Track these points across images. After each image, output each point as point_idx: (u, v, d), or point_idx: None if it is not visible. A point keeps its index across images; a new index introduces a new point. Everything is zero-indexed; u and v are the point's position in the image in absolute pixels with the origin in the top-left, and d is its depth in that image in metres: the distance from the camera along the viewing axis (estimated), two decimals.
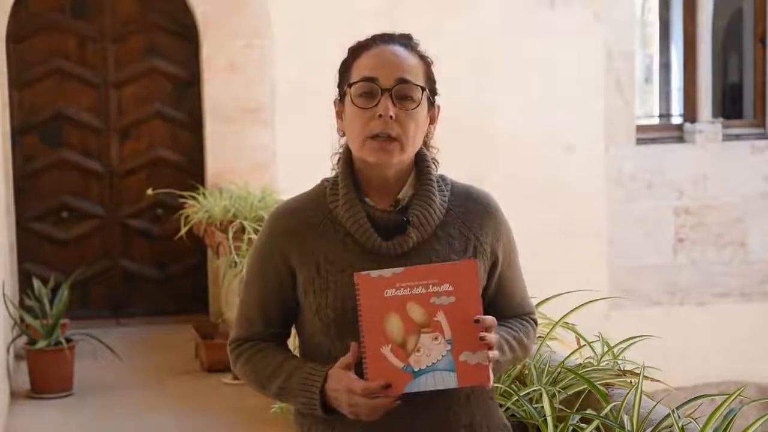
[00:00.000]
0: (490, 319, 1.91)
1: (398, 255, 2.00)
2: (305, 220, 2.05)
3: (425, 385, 1.87)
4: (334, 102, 2.09)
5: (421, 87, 2.02)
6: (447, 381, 1.87)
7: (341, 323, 1.97)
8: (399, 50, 2.03)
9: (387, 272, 1.89)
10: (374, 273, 1.89)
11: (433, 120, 2.10)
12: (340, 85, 2.07)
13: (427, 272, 1.89)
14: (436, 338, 1.87)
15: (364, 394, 1.87)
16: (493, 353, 1.89)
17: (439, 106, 2.10)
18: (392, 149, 1.99)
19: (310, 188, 2.13)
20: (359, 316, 1.88)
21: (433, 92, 2.08)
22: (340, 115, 2.07)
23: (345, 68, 2.06)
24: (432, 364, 1.87)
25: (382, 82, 1.99)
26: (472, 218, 2.07)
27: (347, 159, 2.07)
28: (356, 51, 2.05)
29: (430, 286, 1.88)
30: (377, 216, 2.02)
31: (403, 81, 2.00)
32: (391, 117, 1.97)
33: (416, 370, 1.87)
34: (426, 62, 2.07)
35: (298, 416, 2.10)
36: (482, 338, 1.87)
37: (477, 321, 1.88)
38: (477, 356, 1.87)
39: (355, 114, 2.01)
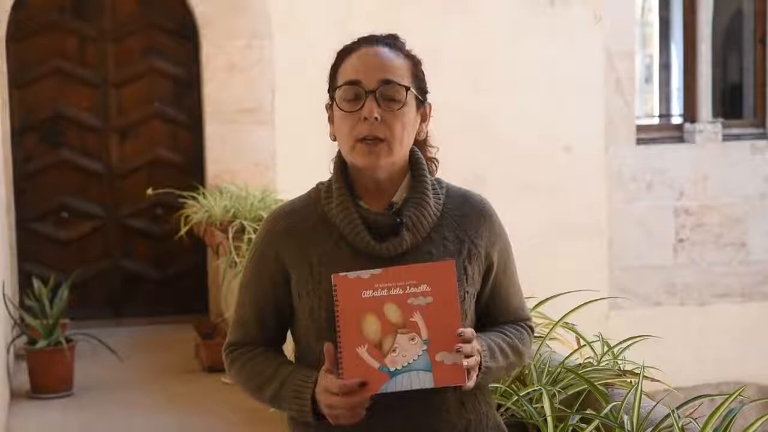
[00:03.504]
0: (469, 331, 1.90)
1: (391, 257, 1.99)
2: (299, 223, 2.05)
3: (401, 385, 1.86)
4: (326, 107, 2.09)
5: (406, 87, 2.00)
6: (423, 381, 1.86)
7: (333, 324, 1.94)
8: (383, 51, 2.02)
9: (365, 273, 1.89)
10: (351, 274, 1.89)
11: (424, 118, 2.09)
12: (329, 90, 2.07)
13: (405, 273, 1.89)
14: (412, 338, 1.87)
15: (340, 392, 1.86)
16: (472, 359, 1.88)
17: (430, 104, 2.09)
18: (379, 151, 1.98)
19: (307, 191, 2.13)
20: (336, 317, 1.88)
21: (423, 91, 2.06)
22: (331, 119, 2.07)
23: (333, 72, 2.06)
24: (408, 364, 1.86)
25: (366, 84, 1.98)
26: (467, 221, 2.06)
27: (341, 162, 2.06)
28: (341, 54, 2.05)
29: (408, 287, 1.88)
30: (371, 218, 2.02)
31: (386, 82, 1.99)
32: (376, 119, 1.97)
33: (392, 370, 1.86)
34: (413, 61, 2.06)
35: (290, 421, 2.09)
36: (458, 350, 1.86)
37: (459, 335, 1.87)
38: (454, 356, 1.86)
39: (342, 118, 2.01)
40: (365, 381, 1.86)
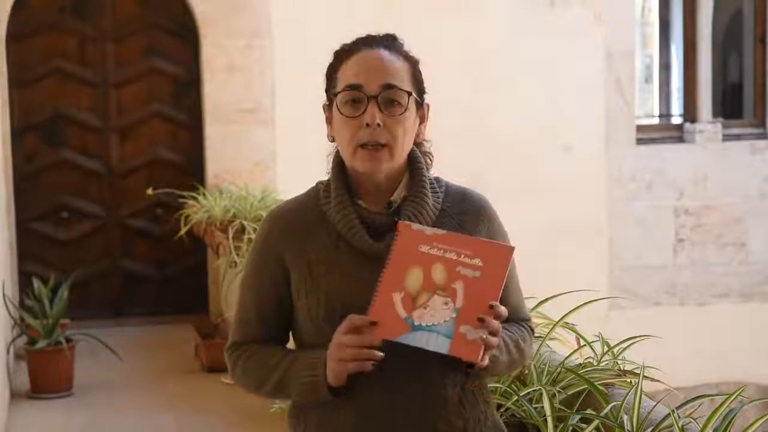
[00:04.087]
0: (504, 310, 1.90)
1: None
2: (298, 222, 2.05)
3: (418, 341, 1.87)
4: (323, 107, 2.08)
5: (408, 92, 1.99)
6: (440, 345, 1.87)
7: (331, 323, 1.95)
8: (383, 54, 2.01)
9: (428, 230, 1.95)
10: (416, 226, 1.95)
11: (423, 119, 2.08)
12: (327, 91, 2.06)
13: (465, 243, 1.93)
14: (446, 303, 1.89)
15: (349, 329, 1.86)
16: (493, 339, 1.87)
17: (428, 105, 2.08)
18: (381, 156, 1.98)
19: (306, 190, 2.12)
20: (388, 258, 1.91)
21: (421, 92, 2.06)
22: (329, 120, 2.06)
23: (331, 74, 2.05)
24: (433, 324, 1.88)
25: (368, 89, 1.97)
26: (466, 219, 2.06)
27: (339, 162, 2.06)
28: (340, 56, 2.04)
29: (462, 255, 1.91)
30: (369, 218, 2.02)
31: (389, 87, 1.98)
32: (378, 125, 1.96)
33: (416, 324, 1.88)
34: (411, 62, 2.04)
35: (292, 417, 2.09)
36: (481, 319, 1.85)
37: (491, 306, 1.87)
38: (476, 333, 1.87)
39: (343, 123, 1.99)
40: (376, 322, 1.87)
